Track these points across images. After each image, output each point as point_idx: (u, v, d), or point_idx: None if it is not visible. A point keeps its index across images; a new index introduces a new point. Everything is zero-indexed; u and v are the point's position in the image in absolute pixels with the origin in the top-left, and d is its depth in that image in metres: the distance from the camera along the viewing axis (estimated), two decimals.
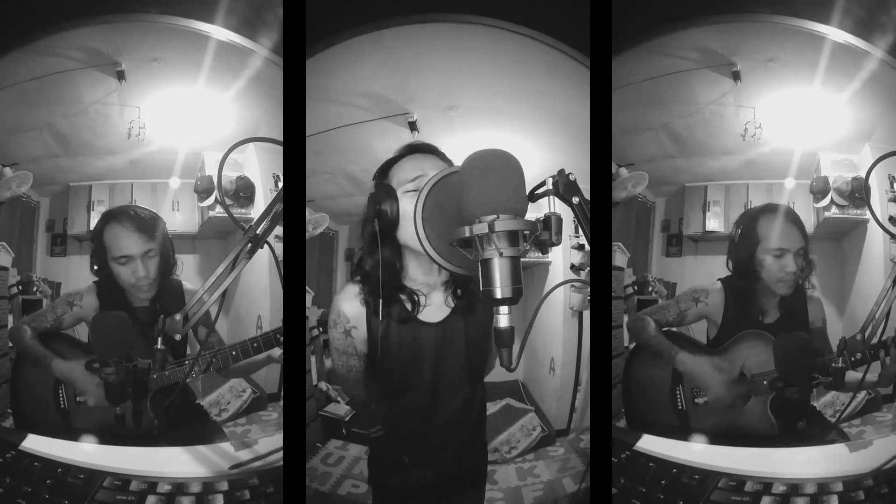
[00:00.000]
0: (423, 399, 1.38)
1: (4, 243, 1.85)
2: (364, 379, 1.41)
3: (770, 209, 1.78)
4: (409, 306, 1.34)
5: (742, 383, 1.73)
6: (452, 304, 1.37)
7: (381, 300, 1.28)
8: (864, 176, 1.83)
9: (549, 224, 1.03)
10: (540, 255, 2.04)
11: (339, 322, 1.37)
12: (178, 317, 1.41)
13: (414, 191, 1.30)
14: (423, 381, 1.37)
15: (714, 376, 1.75)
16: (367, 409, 1.45)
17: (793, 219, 1.76)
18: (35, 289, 1.88)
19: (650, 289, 1.92)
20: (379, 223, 1.28)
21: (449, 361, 1.38)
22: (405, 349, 1.35)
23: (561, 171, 1.10)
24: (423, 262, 1.33)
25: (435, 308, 1.37)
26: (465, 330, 1.38)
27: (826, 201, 1.90)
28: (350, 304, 1.36)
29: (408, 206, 1.28)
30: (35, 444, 1.53)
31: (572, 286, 2.02)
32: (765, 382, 1.69)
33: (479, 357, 1.42)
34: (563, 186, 1.09)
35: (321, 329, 1.96)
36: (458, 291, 1.37)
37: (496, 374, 1.47)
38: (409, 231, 1.28)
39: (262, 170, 1.91)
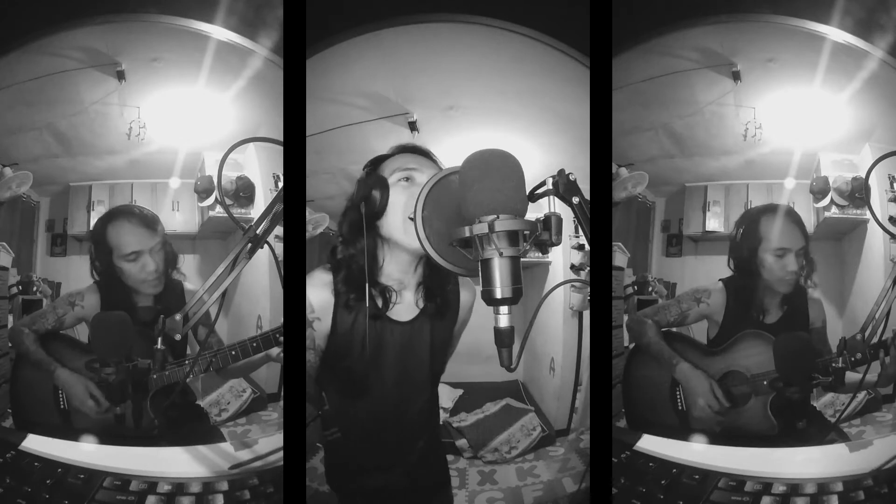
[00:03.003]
0: (384, 400, 1.36)
1: (4, 243, 1.85)
2: (316, 376, 1.36)
3: (771, 209, 1.78)
4: (379, 302, 1.32)
5: (728, 412, 1.73)
6: (422, 305, 1.36)
7: (367, 288, 1.25)
8: (864, 176, 1.83)
9: (549, 224, 1.03)
10: (540, 255, 2.04)
11: None
12: (178, 317, 1.41)
13: (405, 180, 1.29)
14: (385, 382, 1.35)
15: (707, 396, 1.74)
16: (318, 408, 1.37)
17: (794, 219, 1.76)
18: (35, 289, 1.88)
19: (650, 289, 1.92)
20: (366, 207, 1.26)
21: (412, 363, 1.36)
22: (370, 346, 1.32)
23: (561, 171, 1.10)
24: (402, 258, 1.32)
25: (405, 307, 1.35)
26: (430, 332, 1.37)
27: (826, 201, 1.90)
28: (318, 293, 1.31)
29: (397, 197, 1.28)
30: (35, 444, 1.53)
31: (572, 286, 2.02)
32: (765, 382, 1.69)
33: (440, 360, 1.41)
34: (563, 186, 1.09)
35: None
36: (429, 294, 1.36)
37: (496, 374, 1.47)
38: (394, 222, 1.27)
39: (262, 170, 1.91)
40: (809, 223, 1.86)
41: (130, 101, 1.87)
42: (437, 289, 1.36)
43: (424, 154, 1.38)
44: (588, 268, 1.95)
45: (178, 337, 1.41)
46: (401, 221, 1.27)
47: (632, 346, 1.84)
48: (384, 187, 1.28)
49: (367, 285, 1.26)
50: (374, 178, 1.30)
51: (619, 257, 1.86)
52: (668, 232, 2.01)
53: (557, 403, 2.09)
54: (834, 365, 1.59)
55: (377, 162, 1.37)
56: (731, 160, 1.94)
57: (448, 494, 1.57)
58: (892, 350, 1.56)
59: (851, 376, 1.60)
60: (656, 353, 1.80)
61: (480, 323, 1.46)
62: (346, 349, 1.32)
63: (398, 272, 1.34)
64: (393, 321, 1.34)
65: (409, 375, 1.37)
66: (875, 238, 1.90)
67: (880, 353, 1.57)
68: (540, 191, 1.11)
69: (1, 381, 1.77)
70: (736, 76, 1.86)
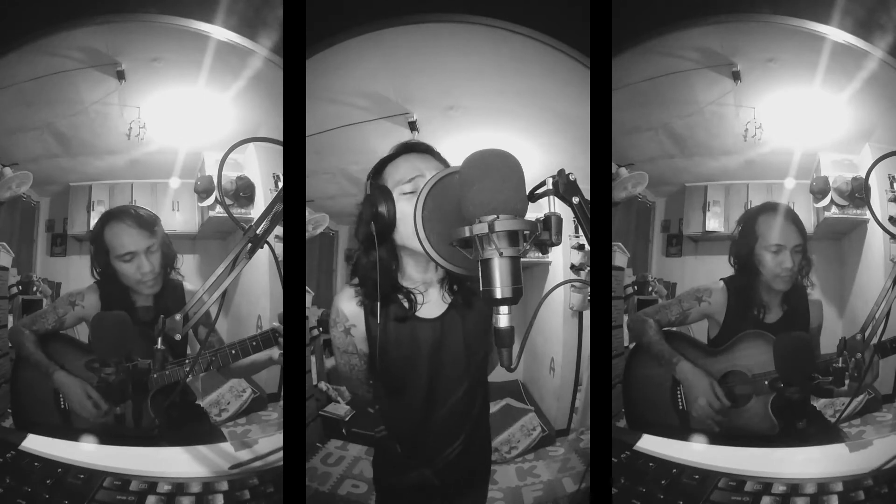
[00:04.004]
0: (422, 395, 1.38)
1: (4, 243, 1.85)
2: (367, 377, 1.42)
3: (769, 207, 1.79)
4: (406, 305, 1.34)
5: (728, 412, 1.73)
6: (449, 300, 1.37)
7: (378, 302, 1.29)
8: (864, 176, 1.83)
9: (549, 224, 1.03)
10: (540, 255, 2.04)
11: (338, 321, 1.37)
12: (178, 317, 1.41)
13: (411, 192, 1.29)
14: (421, 378, 1.37)
15: (708, 394, 1.74)
16: (369, 408, 1.44)
17: (791, 217, 1.77)
18: (35, 289, 1.88)
19: (650, 289, 1.92)
20: (376, 225, 1.28)
21: (447, 356, 1.38)
22: (403, 347, 1.35)
23: (561, 171, 1.10)
24: (420, 261, 1.34)
25: (432, 304, 1.37)
26: (462, 324, 1.38)
27: (826, 201, 1.90)
28: (348, 305, 1.37)
29: (405, 208, 1.28)
30: (35, 444, 1.53)
31: (572, 286, 2.02)
32: (765, 382, 1.69)
33: (478, 351, 1.42)
34: (563, 186, 1.09)
35: (321, 329, 1.96)
36: (455, 287, 1.37)
37: (496, 374, 1.46)
38: (407, 233, 1.28)
39: (262, 170, 1.91)
40: (809, 223, 1.86)
41: (130, 101, 1.87)
42: (459, 282, 1.37)
43: (427, 151, 1.37)
44: (588, 268, 1.94)
45: (178, 337, 1.41)
46: (413, 233, 1.28)
47: (632, 345, 1.84)
48: (391, 201, 1.29)
49: (377, 298, 1.29)
50: (378, 192, 1.31)
51: (619, 257, 1.86)
52: (668, 232, 2.01)
53: (557, 403, 2.09)
54: (834, 365, 1.59)
55: (380, 169, 1.37)
56: (731, 160, 1.94)
57: (485, 489, 1.56)
58: (871, 362, 1.56)
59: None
60: (657, 352, 1.80)
61: None
62: (382, 353, 1.35)
63: (419, 274, 1.36)
64: (422, 320, 1.36)
65: (445, 369, 1.38)
66: (875, 238, 1.90)
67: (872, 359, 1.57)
68: (540, 191, 1.11)
69: (1, 381, 1.77)
70: (736, 76, 1.86)
